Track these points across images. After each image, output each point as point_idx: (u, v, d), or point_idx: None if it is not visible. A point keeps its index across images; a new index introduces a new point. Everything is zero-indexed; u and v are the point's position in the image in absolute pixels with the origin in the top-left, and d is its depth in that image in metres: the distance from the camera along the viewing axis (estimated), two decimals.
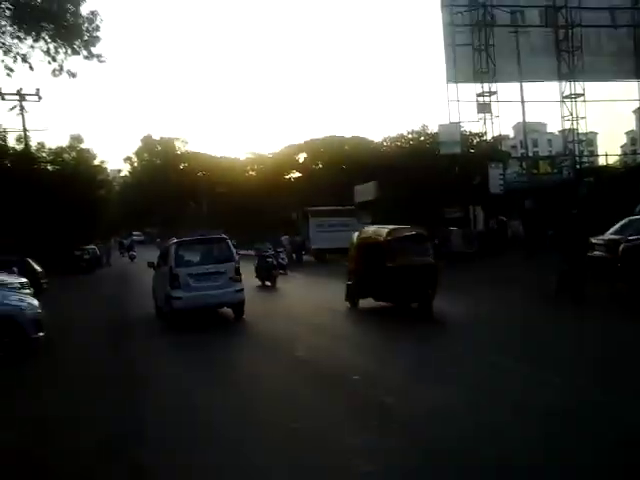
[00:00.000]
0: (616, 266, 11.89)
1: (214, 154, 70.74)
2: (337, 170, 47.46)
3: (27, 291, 13.65)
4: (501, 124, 28.00)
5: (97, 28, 18.90)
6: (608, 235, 14.95)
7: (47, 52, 18.62)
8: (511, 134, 51.00)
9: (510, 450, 4.53)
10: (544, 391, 5.95)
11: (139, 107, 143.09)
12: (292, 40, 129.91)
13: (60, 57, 18.73)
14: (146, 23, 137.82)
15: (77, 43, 18.69)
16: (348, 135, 57.40)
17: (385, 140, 49.84)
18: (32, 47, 18.48)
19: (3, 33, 18.21)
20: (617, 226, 15.03)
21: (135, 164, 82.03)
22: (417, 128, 44.93)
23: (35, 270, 19.32)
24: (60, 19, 18.30)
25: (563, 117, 28.57)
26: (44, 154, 35.73)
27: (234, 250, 12.72)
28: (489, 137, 29.09)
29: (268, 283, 18.24)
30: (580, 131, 28.57)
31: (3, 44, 18.24)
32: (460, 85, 27.69)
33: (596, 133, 58.98)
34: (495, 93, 27.37)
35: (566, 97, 28.18)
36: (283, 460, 4.63)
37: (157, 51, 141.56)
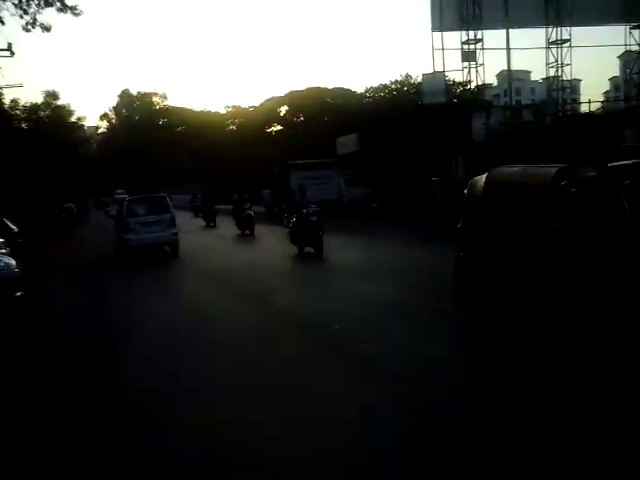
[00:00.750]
0: None
1: (194, 108, 69.39)
2: (319, 122, 46.76)
3: (3, 251, 13.42)
4: (485, 73, 27.37)
5: None
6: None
7: (18, 5, 17.75)
8: (494, 83, 50.41)
9: None
10: None
11: (116, 62, 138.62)
12: None
13: (32, 10, 17.90)
14: None
15: None
16: (330, 86, 56.49)
17: (368, 91, 49.09)
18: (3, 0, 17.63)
19: None
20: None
21: (113, 121, 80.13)
22: (400, 78, 44.32)
23: (11, 230, 18.93)
24: None
25: (548, 64, 28.09)
26: (18, 112, 34.68)
27: (171, 205, 16.66)
28: (472, 86, 28.65)
29: (247, 232, 20.16)
30: (564, 78, 28.20)
31: None
32: (445, 34, 27.09)
33: (579, 80, 58.43)
34: (480, 41, 26.79)
35: (552, 43, 27.65)
36: None
37: (134, 3, 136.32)
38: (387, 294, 8.81)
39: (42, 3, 17.84)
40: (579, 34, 27.69)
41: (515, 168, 9.28)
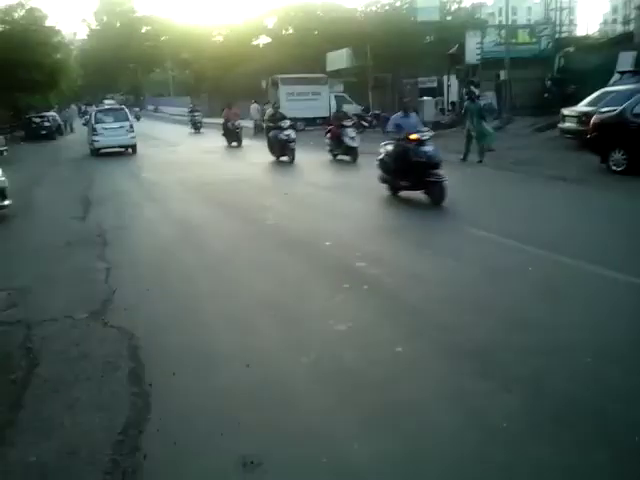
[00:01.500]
0: (586, 138, 11.97)
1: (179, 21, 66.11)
2: (309, 36, 45.05)
3: None
4: None
5: None
6: (580, 107, 14.90)
7: None
8: (489, 1, 48.67)
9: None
10: None
11: None
12: None
13: None
14: None
15: None
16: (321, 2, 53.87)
17: (360, 6, 47.18)
18: None
19: None
20: (590, 98, 14.94)
21: (93, 27, 76.41)
22: None
23: None
24: None
25: None
26: None
27: (129, 115, 21.67)
28: (467, 3, 27.71)
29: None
30: None
31: None
32: None
33: (576, 1, 56.54)
34: None
35: None
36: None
37: None
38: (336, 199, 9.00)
39: None
40: None
41: None
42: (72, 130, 36.85)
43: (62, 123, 35.33)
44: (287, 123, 16.01)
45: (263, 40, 55.60)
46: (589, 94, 15.48)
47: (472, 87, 25.12)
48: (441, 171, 8.80)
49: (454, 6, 43.91)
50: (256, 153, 18.43)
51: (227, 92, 44.75)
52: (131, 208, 10.30)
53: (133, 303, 5.31)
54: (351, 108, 27.96)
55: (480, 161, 13.88)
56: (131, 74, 71.31)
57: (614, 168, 11.12)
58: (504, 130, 20.07)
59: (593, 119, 11.86)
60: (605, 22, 53.59)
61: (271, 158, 16.55)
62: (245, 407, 3.50)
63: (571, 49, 26.63)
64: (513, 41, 24.06)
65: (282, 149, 15.85)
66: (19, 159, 19.91)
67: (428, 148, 8.94)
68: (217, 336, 4.55)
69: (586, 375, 3.65)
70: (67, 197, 11.92)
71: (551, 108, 20.71)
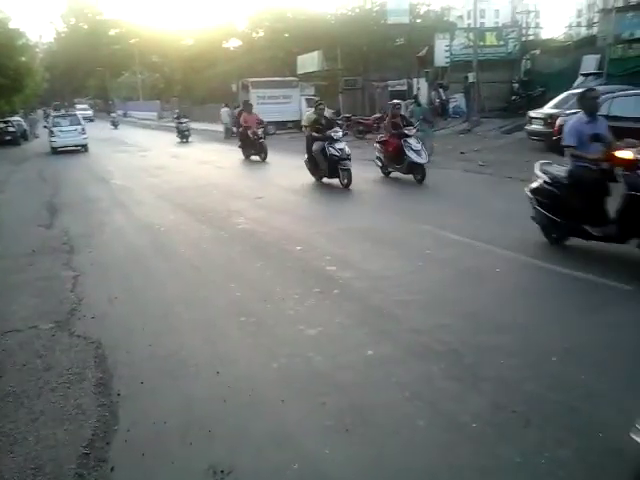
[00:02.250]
0: (552, 140, 12.19)
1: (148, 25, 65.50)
2: (279, 39, 45.02)
3: None
4: None
5: None
6: (546, 109, 15.18)
7: None
8: (458, 4, 49.34)
9: None
10: None
11: None
12: None
13: None
14: None
15: None
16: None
17: (330, 8, 47.35)
18: None
19: None
20: (556, 100, 15.23)
21: (60, 29, 75.24)
22: (362, 1, 42.70)
23: None
24: None
25: None
26: None
27: (82, 119, 25.31)
28: (436, 7, 28.05)
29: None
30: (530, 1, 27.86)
31: None
32: None
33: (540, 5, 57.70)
34: None
35: None
36: None
37: None
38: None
39: None
40: None
41: None
42: (37, 136, 36.00)
43: (27, 128, 34.54)
44: (339, 133, 11.78)
45: (233, 43, 55.41)
46: (555, 96, 15.79)
47: (440, 89, 25.53)
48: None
49: (423, 9, 44.37)
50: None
51: (197, 95, 44.49)
52: (100, 214, 10.13)
53: (101, 311, 5.22)
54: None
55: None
56: (99, 77, 70.30)
57: None
58: (472, 132, 20.33)
59: (558, 121, 12.09)
60: (570, 25, 54.68)
61: (310, 180, 12.52)
62: (215, 415, 3.46)
63: (537, 52, 27.13)
64: (481, 44, 24.38)
65: (332, 169, 11.61)
66: None
67: None
68: (187, 343, 4.49)
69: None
70: (32, 204, 11.66)
71: (518, 110, 21.09)
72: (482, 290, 5.34)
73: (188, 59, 50.31)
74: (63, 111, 38.71)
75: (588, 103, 6.26)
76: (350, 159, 11.47)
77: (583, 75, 19.52)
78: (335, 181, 11.76)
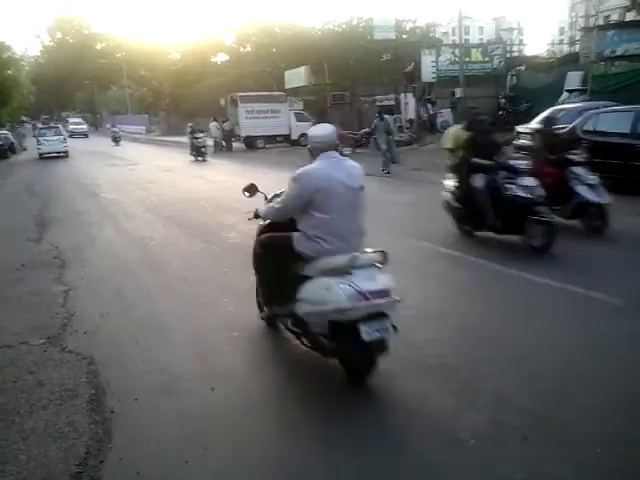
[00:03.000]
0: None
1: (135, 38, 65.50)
2: (267, 54, 45.34)
3: None
4: (434, 11, 27.13)
5: None
6: (533, 124, 15.37)
7: None
8: (443, 21, 50.03)
9: None
10: None
11: None
12: None
13: None
14: None
15: None
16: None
17: (317, 24, 47.79)
18: None
19: None
20: (542, 115, 15.44)
21: (46, 42, 75.05)
22: (349, 17, 43.25)
23: None
24: None
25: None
26: None
27: (64, 130, 31.81)
28: (421, 23, 28.45)
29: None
30: (513, 19, 28.35)
31: None
32: None
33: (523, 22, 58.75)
34: None
35: None
36: None
37: None
38: None
39: None
40: None
41: None
42: (25, 148, 35.83)
43: (15, 141, 34.37)
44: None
45: (221, 57, 55.63)
46: (541, 111, 16.00)
47: (429, 105, 25.79)
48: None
49: (409, 25, 44.94)
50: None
51: (186, 109, 44.53)
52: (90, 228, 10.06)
53: (93, 326, 5.17)
54: (311, 126, 28.18)
55: (387, 172, 15.87)
56: (87, 91, 70.17)
57: None
58: None
59: None
60: (552, 43, 55.65)
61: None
62: (211, 432, 3.43)
63: (522, 68, 27.56)
64: (467, 60, 24.72)
65: (512, 220, 7.06)
66: None
67: None
68: (180, 359, 4.45)
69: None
70: (21, 218, 11.54)
71: (505, 125, 21.33)
72: (475, 302, 5.37)
73: (176, 73, 50.38)
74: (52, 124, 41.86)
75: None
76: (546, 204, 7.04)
77: (568, 91, 19.85)
78: None
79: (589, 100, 16.61)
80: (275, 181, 15.10)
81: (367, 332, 3.60)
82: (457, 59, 24.31)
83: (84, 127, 54.46)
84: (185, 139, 26.26)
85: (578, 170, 7.77)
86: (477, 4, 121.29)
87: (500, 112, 24.25)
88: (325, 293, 3.68)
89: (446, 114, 24.79)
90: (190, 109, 43.62)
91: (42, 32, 74.47)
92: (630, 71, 18.70)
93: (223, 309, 5.52)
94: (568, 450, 3.07)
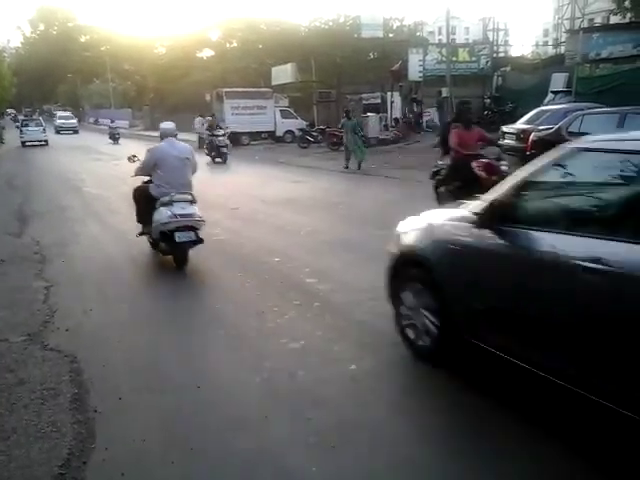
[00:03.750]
0: (525, 154, 12.41)
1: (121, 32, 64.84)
2: (253, 50, 45.05)
3: None
4: (421, 10, 27.20)
5: None
6: (519, 124, 15.47)
7: None
8: (430, 20, 50.20)
9: None
10: None
11: None
12: None
13: None
14: None
15: None
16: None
17: (304, 21, 47.64)
18: None
19: None
20: (528, 116, 15.54)
21: (27, 34, 74.03)
22: (336, 15, 43.13)
23: None
24: None
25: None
26: None
27: (43, 122, 34.38)
28: (408, 21, 28.51)
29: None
30: (499, 20, 28.53)
31: None
32: None
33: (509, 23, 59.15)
34: None
35: None
36: None
37: None
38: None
39: None
40: None
41: None
42: (3, 141, 34.93)
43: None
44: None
45: (207, 53, 55.21)
46: (525, 112, 16.11)
47: (414, 103, 25.86)
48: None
49: (396, 24, 44.95)
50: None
51: (170, 104, 44.14)
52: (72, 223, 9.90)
53: (75, 323, 5.06)
54: (296, 123, 28.13)
55: (347, 167, 16.85)
56: (69, 84, 69.29)
57: None
58: None
59: (531, 137, 12.32)
60: (537, 44, 56.12)
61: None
62: (197, 431, 3.36)
63: (507, 69, 27.73)
64: (454, 59, 24.80)
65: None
66: None
67: None
68: (165, 356, 4.38)
69: None
70: (1, 211, 11.34)
71: (491, 125, 21.44)
72: None
73: (161, 67, 49.91)
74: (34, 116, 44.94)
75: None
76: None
77: (553, 92, 20.01)
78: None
79: (574, 102, 16.75)
80: (263, 176, 15.27)
81: (179, 237, 6.40)
82: (444, 58, 24.39)
83: (74, 122, 48.35)
84: (190, 136, 25.09)
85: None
86: (463, 4, 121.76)
87: (485, 112, 24.37)
88: (159, 216, 6.50)
89: (432, 113, 24.89)
90: (174, 104, 43.26)
91: (24, 23, 73.54)
92: (614, 74, 18.91)
93: (209, 307, 5.46)
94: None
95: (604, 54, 21.03)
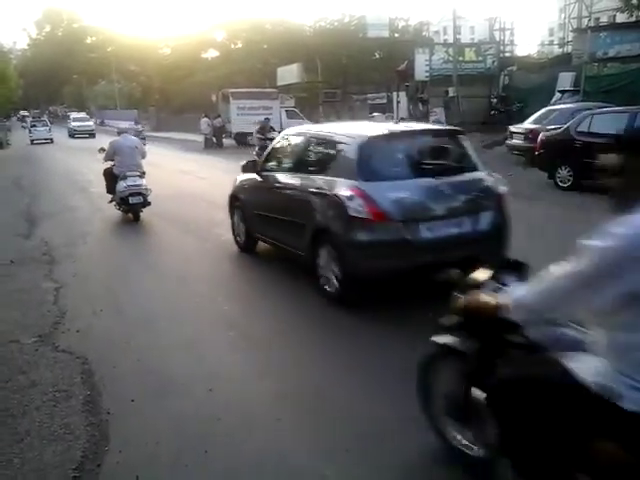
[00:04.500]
0: (534, 154, 12.35)
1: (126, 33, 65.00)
2: (258, 50, 45.13)
3: None
4: (426, 10, 27.16)
5: None
6: (527, 124, 15.39)
7: None
8: (435, 20, 50.11)
9: None
10: None
11: None
12: None
13: None
14: None
15: None
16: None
17: (309, 21, 47.68)
18: None
19: None
20: (536, 115, 15.47)
21: (34, 36, 74.23)
22: (341, 15, 43.20)
23: None
24: None
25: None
26: None
27: (49, 122, 39.51)
28: (413, 21, 28.48)
29: None
30: (505, 19, 28.43)
31: None
32: None
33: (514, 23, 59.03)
34: None
35: None
36: None
37: None
38: None
39: None
40: None
41: None
42: (9, 143, 34.91)
43: (1, 136, 33.74)
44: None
45: (212, 53, 55.32)
46: (532, 112, 16.03)
47: (420, 103, 25.82)
48: None
49: (401, 23, 44.94)
50: None
51: (175, 105, 44.23)
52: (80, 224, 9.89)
53: (85, 325, 5.05)
54: (302, 123, 28.11)
55: None
56: (75, 85, 69.54)
57: (560, 184, 11.49)
58: None
59: (540, 137, 12.24)
60: (542, 43, 55.96)
61: None
62: (210, 434, 3.34)
63: (514, 68, 27.60)
64: (460, 59, 24.72)
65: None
66: None
67: None
68: (177, 358, 4.35)
69: None
70: (9, 213, 11.30)
71: (497, 125, 21.37)
72: None
73: (166, 68, 50.06)
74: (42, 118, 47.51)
75: None
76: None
77: (560, 92, 19.90)
78: None
79: (582, 101, 16.66)
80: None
81: (132, 200, 9.40)
82: (450, 58, 24.32)
83: (90, 124, 43.12)
84: (174, 135, 25.45)
85: None
86: (468, 3, 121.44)
87: (492, 112, 24.29)
88: (119, 187, 9.49)
89: (439, 113, 24.82)
90: (180, 105, 43.39)
91: (29, 25, 73.86)
92: (622, 73, 18.80)
93: (218, 308, 5.43)
94: None
95: (612, 53, 20.89)
